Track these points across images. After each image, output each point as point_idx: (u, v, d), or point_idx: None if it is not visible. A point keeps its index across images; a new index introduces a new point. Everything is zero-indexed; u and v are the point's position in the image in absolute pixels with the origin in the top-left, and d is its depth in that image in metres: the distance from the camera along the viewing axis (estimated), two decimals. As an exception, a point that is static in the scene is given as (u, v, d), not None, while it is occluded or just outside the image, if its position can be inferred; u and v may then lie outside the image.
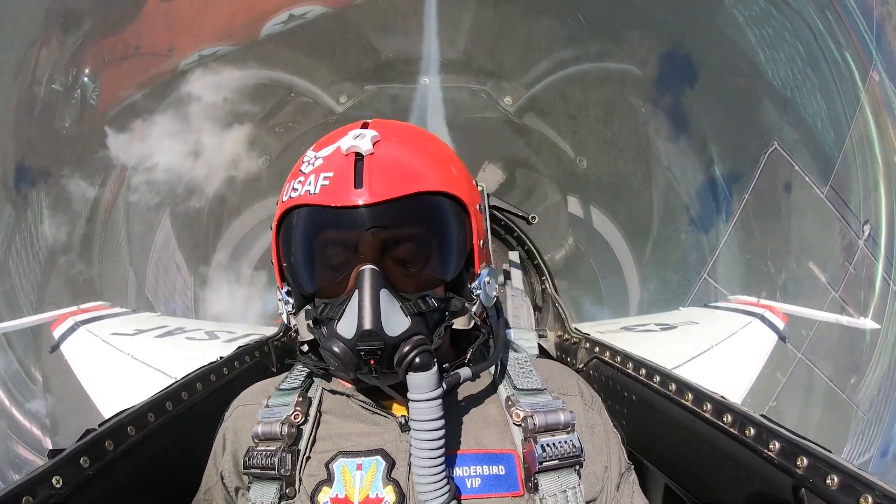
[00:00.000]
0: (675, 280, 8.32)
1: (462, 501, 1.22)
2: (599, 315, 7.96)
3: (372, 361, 1.17)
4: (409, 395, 1.16)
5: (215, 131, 7.77)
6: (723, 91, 8.47)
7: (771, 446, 1.31)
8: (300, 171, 1.28)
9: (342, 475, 1.26)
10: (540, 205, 8.04)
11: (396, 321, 1.19)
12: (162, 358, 3.18)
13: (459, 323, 1.33)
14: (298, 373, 1.50)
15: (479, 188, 1.48)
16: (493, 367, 1.43)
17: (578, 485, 1.27)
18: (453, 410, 1.23)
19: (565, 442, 1.27)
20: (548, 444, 1.26)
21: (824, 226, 8.58)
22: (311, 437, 1.33)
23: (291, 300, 1.37)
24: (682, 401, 1.67)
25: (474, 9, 7.98)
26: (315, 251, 1.27)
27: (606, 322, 4.42)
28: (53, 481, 1.20)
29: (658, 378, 1.82)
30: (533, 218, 2.80)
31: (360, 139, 1.24)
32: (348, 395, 1.38)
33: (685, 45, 8.45)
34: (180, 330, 3.75)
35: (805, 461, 1.21)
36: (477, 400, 1.39)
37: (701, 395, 1.60)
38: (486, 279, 1.37)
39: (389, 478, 1.24)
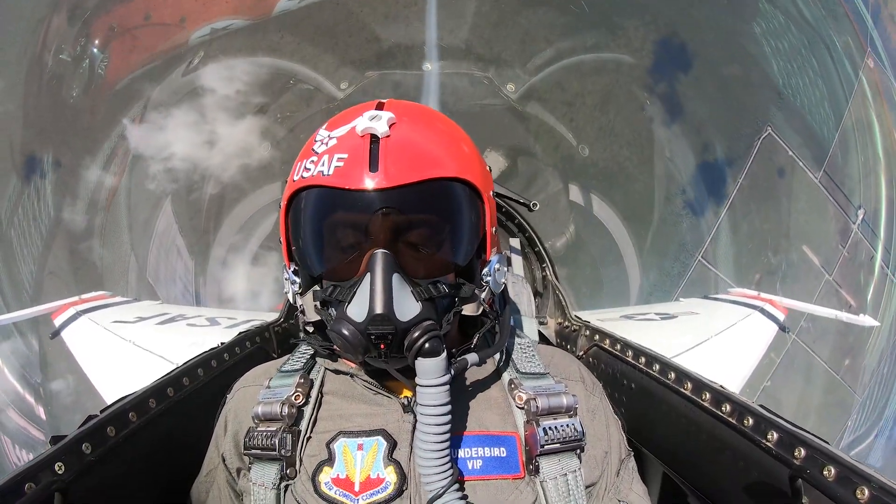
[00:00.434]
0: (671, 264, 8.37)
1: (463, 483, 1.22)
2: (597, 294, 8.03)
3: (382, 346, 1.17)
4: (418, 381, 1.16)
5: (218, 118, 7.74)
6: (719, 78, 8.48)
7: (769, 436, 1.31)
8: (312, 150, 1.26)
9: (343, 455, 1.26)
10: (541, 192, 8.05)
11: (407, 306, 1.19)
12: (163, 344, 3.19)
13: (468, 309, 1.33)
14: (301, 355, 1.50)
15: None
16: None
17: (579, 468, 1.28)
18: (456, 392, 1.23)
19: (567, 426, 1.28)
20: (550, 428, 1.26)
21: (818, 210, 8.64)
22: (312, 417, 1.33)
23: (298, 280, 1.36)
24: (682, 390, 1.67)
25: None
26: (327, 233, 1.26)
27: (607, 310, 4.43)
28: (56, 467, 1.21)
29: (657, 367, 1.82)
30: (534, 205, 2.80)
31: (376, 121, 1.22)
32: (352, 375, 1.38)
33: (683, 33, 8.45)
34: (181, 317, 3.75)
35: (802, 452, 1.22)
36: (480, 382, 1.40)
37: (700, 385, 1.61)
38: (497, 266, 1.37)
39: (391, 458, 1.25)
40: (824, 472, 1.15)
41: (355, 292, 1.20)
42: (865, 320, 4.37)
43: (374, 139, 1.21)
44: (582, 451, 1.31)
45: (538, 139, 8.28)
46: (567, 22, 8.22)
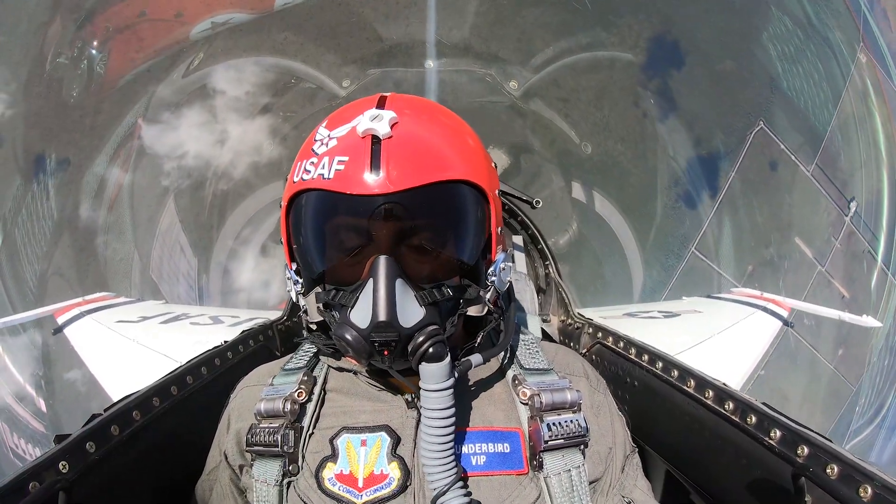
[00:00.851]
0: (674, 262, 8.43)
1: (467, 479, 1.22)
2: (600, 290, 8.08)
3: (386, 352, 1.16)
4: (421, 385, 1.16)
5: (221, 118, 7.76)
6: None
7: (772, 434, 1.31)
8: (312, 150, 1.24)
9: (346, 451, 1.26)
10: (544, 189, 8.05)
11: (411, 312, 1.17)
12: (167, 343, 3.20)
13: (473, 310, 1.32)
14: (304, 353, 1.50)
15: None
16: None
17: (583, 464, 1.28)
18: (460, 388, 1.23)
19: (571, 421, 1.27)
20: (553, 424, 1.26)
21: (810, 202, 8.71)
22: (315, 414, 1.33)
23: (301, 280, 1.35)
24: (684, 387, 1.67)
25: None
26: (328, 237, 1.25)
27: (609, 308, 4.42)
28: (60, 466, 1.21)
29: (660, 364, 1.83)
30: (537, 202, 2.79)
31: (377, 121, 1.19)
32: (355, 372, 1.38)
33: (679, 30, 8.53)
34: (185, 315, 3.76)
35: (805, 450, 1.22)
36: (484, 378, 1.39)
37: (703, 382, 1.61)
38: (502, 265, 1.35)
39: (395, 454, 1.25)
40: (827, 471, 1.15)
41: (358, 297, 1.19)
42: (868, 321, 4.35)
43: (376, 140, 1.18)
44: (586, 446, 1.31)
45: (540, 136, 8.27)
46: (568, 19, 8.21)
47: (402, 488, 1.21)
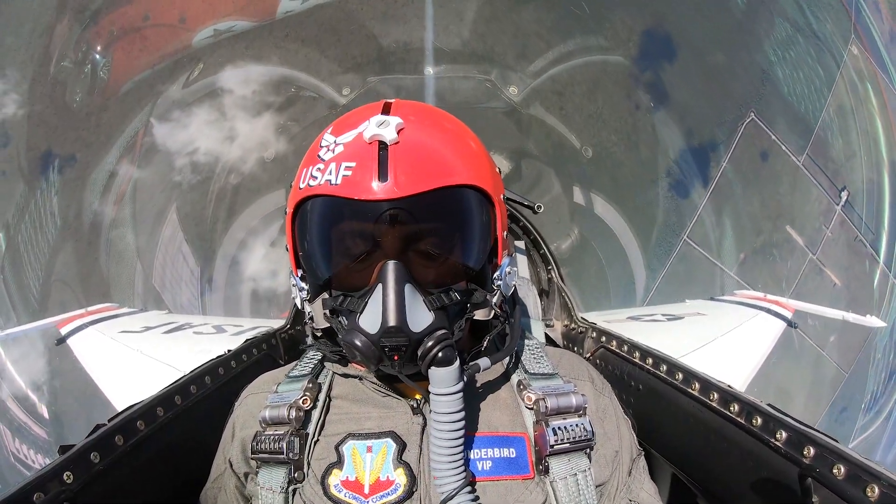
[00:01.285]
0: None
1: (474, 484, 1.22)
2: (603, 294, 8.10)
3: (396, 357, 1.17)
4: (431, 389, 1.16)
5: (220, 129, 7.79)
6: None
7: (778, 435, 1.31)
8: (318, 156, 1.24)
9: (352, 457, 1.26)
10: (546, 194, 8.06)
11: (420, 316, 1.18)
12: (170, 353, 3.21)
13: (480, 314, 1.33)
14: (308, 360, 1.50)
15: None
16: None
17: (589, 468, 1.27)
18: (466, 394, 1.23)
19: (576, 426, 1.27)
20: (559, 428, 1.26)
21: (801, 192, 8.81)
22: (320, 421, 1.33)
23: (306, 287, 1.35)
24: (689, 390, 1.66)
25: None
26: (336, 243, 1.25)
27: (613, 311, 4.43)
28: (64, 477, 1.21)
29: (665, 367, 1.82)
30: (539, 207, 2.79)
31: (384, 127, 1.20)
32: (361, 378, 1.38)
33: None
34: (188, 325, 3.77)
35: (812, 451, 1.21)
36: (489, 384, 1.39)
37: (707, 385, 1.60)
38: (507, 269, 1.36)
39: (400, 460, 1.25)
40: (834, 471, 1.15)
41: (367, 302, 1.19)
42: (872, 321, 4.35)
43: (383, 145, 1.18)
44: (592, 450, 1.31)
45: (541, 141, 8.29)
46: (567, 22, 8.26)
47: (409, 494, 1.21)
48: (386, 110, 1.28)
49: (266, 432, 1.31)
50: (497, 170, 1.40)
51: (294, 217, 1.30)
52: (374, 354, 1.17)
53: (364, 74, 7.79)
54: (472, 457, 1.26)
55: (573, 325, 2.61)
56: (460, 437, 1.16)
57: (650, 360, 1.91)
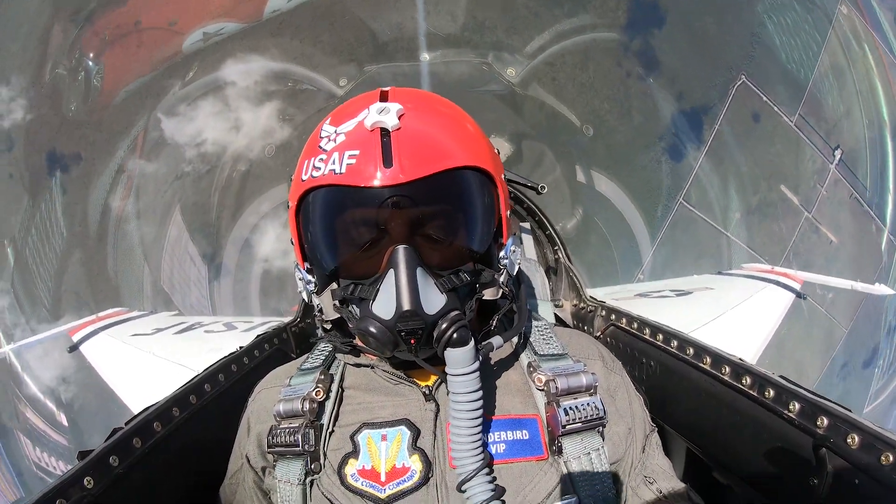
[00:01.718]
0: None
1: (493, 466, 1.23)
2: (611, 269, 8.12)
3: (413, 341, 1.17)
4: (448, 370, 1.17)
5: (221, 124, 7.79)
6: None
7: (791, 407, 1.31)
8: (320, 147, 1.24)
9: (367, 447, 1.27)
10: (549, 175, 8.04)
11: (433, 299, 1.19)
12: (183, 353, 3.23)
13: (489, 294, 1.34)
14: (319, 352, 1.51)
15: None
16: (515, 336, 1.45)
17: (602, 447, 1.28)
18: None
19: (588, 405, 1.28)
20: (570, 408, 1.26)
21: (795, 151, 8.86)
22: (334, 412, 1.34)
23: (313, 279, 1.35)
24: (701, 364, 1.66)
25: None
26: (344, 232, 1.25)
27: (620, 288, 4.42)
28: (85, 482, 1.22)
29: (675, 343, 1.82)
30: (542, 188, 2.78)
31: (384, 114, 1.20)
32: (372, 367, 1.39)
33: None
34: (198, 325, 3.79)
35: (825, 421, 1.21)
36: (500, 367, 1.40)
37: (719, 359, 1.60)
38: (512, 248, 1.37)
39: (415, 447, 1.25)
40: (848, 440, 1.15)
41: (379, 289, 1.20)
42: (881, 289, 4.34)
43: (385, 132, 1.19)
44: (604, 428, 1.31)
45: (542, 122, 8.25)
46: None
47: (425, 480, 1.22)
48: (384, 98, 1.28)
49: (281, 426, 1.32)
50: (496, 151, 1.40)
51: (298, 209, 1.30)
52: (391, 340, 1.17)
53: (360, 64, 7.75)
54: (486, 441, 1.26)
55: (582, 305, 2.61)
56: (479, 417, 1.17)
57: (661, 337, 1.91)
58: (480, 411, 1.17)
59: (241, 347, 2.06)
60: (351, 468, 1.26)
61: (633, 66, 8.43)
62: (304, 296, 1.39)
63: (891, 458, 1.05)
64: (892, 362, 9.41)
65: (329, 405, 1.35)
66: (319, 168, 1.21)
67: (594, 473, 1.25)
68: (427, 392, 1.32)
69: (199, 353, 3.12)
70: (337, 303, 1.31)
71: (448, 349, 1.16)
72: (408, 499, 1.21)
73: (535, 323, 1.53)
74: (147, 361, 3.26)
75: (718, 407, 1.59)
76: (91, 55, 7.93)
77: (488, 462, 1.19)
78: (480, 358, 1.20)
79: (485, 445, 1.22)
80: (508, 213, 1.37)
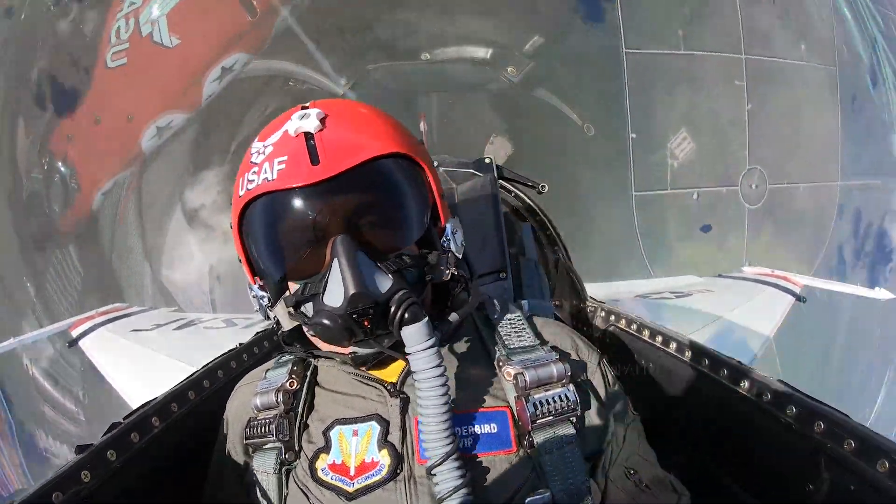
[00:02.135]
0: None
1: (464, 458, 1.22)
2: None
3: (366, 322, 1.19)
4: (407, 349, 1.18)
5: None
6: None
7: (788, 411, 1.31)
8: (251, 162, 1.28)
9: (339, 442, 1.30)
10: (550, 173, 8.03)
11: (379, 280, 1.21)
12: (182, 349, 3.23)
13: (437, 276, 1.35)
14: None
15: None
16: (485, 329, 1.47)
17: (575, 439, 1.28)
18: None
19: (559, 396, 1.29)
20: (540, 401, 1.28)
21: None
22: (307, 402, 1.38)
23: (266, 294, 1.39)
24: (699, 367, 1.67)
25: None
26: (286, 235, 1.28)
27: (621, 283, 4.42)
28: (82, 476, 1.23)
29: (674, 345, 1.82)
30: (543, 187, 2.78)
31: (305, 119, 1.25)
32: (341, 362, 1.41)
33: None
34: (198, 321, 3.80)
35: (822, 426, 1.22)
36: (468, 360, 1.41)
37: (718, 361, 1.60)
38: (453, 229, 1.39)
39: (385, 441, 1.27)
40: (844, 446, 1.15)
41: (326, 281, 1.22)
42: (881, 294, 4.33)
43: (308, 135, 1.24)
44: (577, 419, 1.32)
45: (543, 121, 8.25)
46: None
47: (393, 474, 1.23)
48: (304, 108, 1.33)
49: (258, 418, 1.37)
50: (420, 142, 1.44)
51: (241, 226, 1.33)
52: (345, 325, 1.19)
53: (362, 65, 7.76)
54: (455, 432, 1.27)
55: (582, 306, 2.61)
56: (445, 396, 1.17)
57: (659, 339, 1.91)
58: (446, 390, 1.18)
59: (240, 344, 2.06)
60: (322, 462, 1.28)
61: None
62: (261, 313, 1.43)
63: (887, 465, 1.06)
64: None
65: (302, 395, 1.38)
66: (253, 180, 1.25)
67: (567, 467, 1.25)
68: (391, 389, 1.34)
69: (198, 350, 3.12)
70: (291, 310, 1.33)
71: (403, 328, 1.18)
72: (375, 493, 1.22)
73: (507, 315, 1.53)
74: (146, 357, 3.26)
75: (716, 410, 1.60)
76: (59, 161, 8.08)
77: (459, 448, 1.19)
78: (439, 334, 1.22)
79: (454, 430, 1.22)
80: (441, 196, 1.40)
